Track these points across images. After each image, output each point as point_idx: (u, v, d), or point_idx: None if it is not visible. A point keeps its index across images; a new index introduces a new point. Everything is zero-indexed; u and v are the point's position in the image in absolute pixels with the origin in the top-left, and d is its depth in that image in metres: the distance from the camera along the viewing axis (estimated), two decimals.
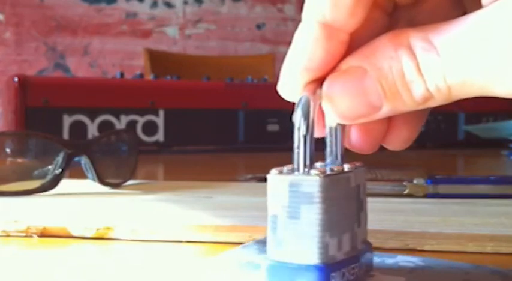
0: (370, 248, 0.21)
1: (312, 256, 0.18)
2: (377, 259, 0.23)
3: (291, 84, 0.20)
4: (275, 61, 1.90)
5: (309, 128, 0.19)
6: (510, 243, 0.27)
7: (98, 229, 0.30)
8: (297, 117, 0.19)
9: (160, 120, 1.02)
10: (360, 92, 0.19)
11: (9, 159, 0.43)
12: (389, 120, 0.22)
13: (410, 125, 0.23)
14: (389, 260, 0.23)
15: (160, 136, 1.02)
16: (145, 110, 1.01)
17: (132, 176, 0.49)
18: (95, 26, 2.14)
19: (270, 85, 1.20)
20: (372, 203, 0.38)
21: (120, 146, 0.49)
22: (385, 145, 0.23)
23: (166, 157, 0.99)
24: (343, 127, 0.21)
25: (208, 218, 0.32)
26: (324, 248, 0.18)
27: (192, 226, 0.29)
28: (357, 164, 0.21)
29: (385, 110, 0.19)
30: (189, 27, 2.22)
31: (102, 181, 0.44)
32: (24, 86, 0.95)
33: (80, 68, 2.13)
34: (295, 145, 0.19)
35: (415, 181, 0.41)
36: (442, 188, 0.40)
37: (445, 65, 0.17)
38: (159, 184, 0.51)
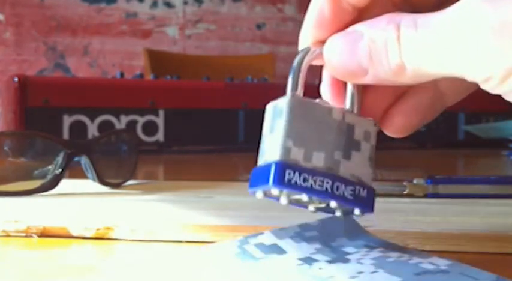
0: (366, 187, 0.23)
1: (275, 155, 0.21)
2: (401, 256, 0.23)
3: (302, 43, 0.23)
4: (275, 61, 1.90)
5: (301, 62, 0.23)
6: (510, 243, 0.27)
7: (98, 229, 0.30)
8: (297, 55, 0.23)
9: (160, 120, 1.02)
10: (353, 51, 0.21)
11: (9, 159, 0.43)
12: (395, 104, 0.25)
13: (417, 112, 0.25)
14: (415, 259, 0.23)
15: (160, 136, 1.02)
16: (145, 110, 1.01)
17: (132, 176, 0.49)
18: (95, 26, 2.14)
19: (270, 85, 1.20)
20: None
21: (120, 146, 0.49)
22: (384, 128, 0.25)
23: (166, 157, 0.99)
24: (358, 90, 0.24)
25: (208, 218, 0.32)
26: (285, 150, 0.21)
27: (192, 226, 0.29)
28: (365, 116, 0.23)
29: (370, 75, 0.21)
30: (189, 27, 2.22)
31: (102, 181, 0.44)
32: (24, 86, 0.95)
33: (80, 68, 2.13)
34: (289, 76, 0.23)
35: (415, 181, 0.41)
36: (442, 188, 0.40)
37: (419, 40, 0.20)
38: (159, 184, 0.51)
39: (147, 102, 1.01)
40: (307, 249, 0.24)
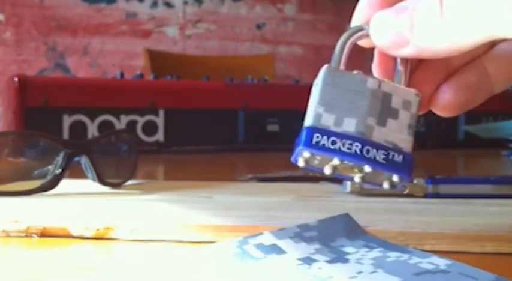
0: (402, 153, 0.23)
1: (308, 122, 0.22)
2: (400, 256, 0.23)
3: (354, 22, 0.24)
4: (275, 61, 1.90)
5: (347, 38, 0.24)
6: (510, 243, 0.27)
7: (97, 229, 0.30)
8: (344, 34, 0.24)
9: (160, 120, 1.02)
10: (396, 22, 0.22)
11: (9, 159, 0.43)
12: (443, 84, 0.25)
13: (465, 90, 0.25)
14: (415, 259, 0.23)
15: (160, 136, 1.02)
16: (145, 110, 1.01)
17: (132, 176, 0.49)
18: (95, 26, 2.14)
19: (270, 85, 1.20)
20: (372, 203, 0.38)
21: (120, 146, 0.49)
22: (433, 106, 0.25)
23: (166, 157, 0.99)
24: (405, 67, 0.24)
25: (208, 218, 0.32)
26: (316, 116, 0.22)
27: (192, 226, 0.29)
28: (406, 86, 0.24)
29: (411, 45, 0.22)
30: (189, 27, 2.21)
31: (102, 181, 0.44)
32: (24, 86, 0.95)
33: (80, 68, 2.13)
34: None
35: (415, 181, 0.41)
36: (442, 188, 0.40)
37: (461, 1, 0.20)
38: (159, 184, 0.51)
39: (147, 102, 1.01)
40: (306, 249, 0.24)
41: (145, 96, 1.02)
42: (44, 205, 0.37)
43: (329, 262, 0.23)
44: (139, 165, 0.50)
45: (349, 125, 0.22)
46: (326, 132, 0.22)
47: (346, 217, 0.28)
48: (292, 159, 0.23)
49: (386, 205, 0.37)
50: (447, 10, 0.21)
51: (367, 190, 0.41)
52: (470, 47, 0.21)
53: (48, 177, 0.41)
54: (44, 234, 0.30)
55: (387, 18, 0.22)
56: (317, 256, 0.23)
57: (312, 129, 0.22)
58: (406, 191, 0.41)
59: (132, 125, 1.00)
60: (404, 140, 0.23)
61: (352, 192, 0.41)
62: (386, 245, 0.25)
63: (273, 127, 1.07)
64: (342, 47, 0.24)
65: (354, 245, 0.25)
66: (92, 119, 0.98)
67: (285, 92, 1.11)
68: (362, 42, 0.24)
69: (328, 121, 0.22)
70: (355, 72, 0.23)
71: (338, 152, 0.22)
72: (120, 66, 2.09)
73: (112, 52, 2.15)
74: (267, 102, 1.06)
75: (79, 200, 0.40)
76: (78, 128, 0.97)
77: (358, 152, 0.22)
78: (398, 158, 0.22)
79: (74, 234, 0.30)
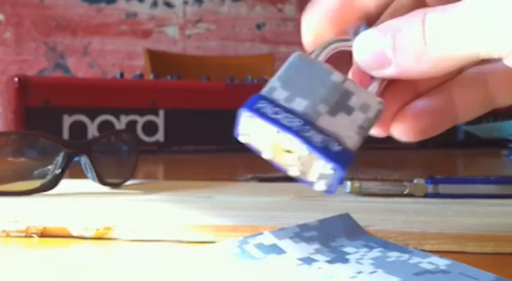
0: (345, 150, 0.22)
1: (261, 91, 0.22)
2: (400, 256, 0.23)
3: (314, 38, 0.24)
4: (275, 61, 1.90)
5: (331, 43, 0.23)
6: (510, 243, 0.27)
7: (97, 229, 0.30)
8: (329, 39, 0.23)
9: (160, 120, 1.02)
10: (379, 41, 0.22)
11: (9, 159, 0.43)
12: (414, 103, 0.25)
13: (428, 114, 0.25)
14: (415, 259, 0.23)
15: (160, 136, 1.02)
16: (145, 110, 1.01)
17: (132, 176, 0.49)
18: (95, 26, 2.14)
19: None
20: (372, 203, 0.38)
21: (120, 146, 0.49)
22: (393, 130, 0.25)
23: (166, 156, 0.99)
24: (380, 86, 0.24)
25: (208, 218, 0.32)
26: (270, 89, 0.22)
27: (192, 226, 0.29)
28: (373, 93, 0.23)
29: (393, 66, 0.22)
30: (189, 27, 2.22)
31: (102, 181, 0.44)
32: (24, 86, 0.95)
33: (80, 68, 2.13)
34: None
35: (415, 181, 0.41)
36: (442, 188, 0.40)
37: (444, 20, 0.20)
38: (159, 184, 0.51)
39: (147, 102, 1.02)
40: (306, 249, 0.24)
41: (145, 96, 1.03)
42: (44, 205, 0.37)
43: (329, 262, 0.23)
44: (139, 165, 0.50)
45: (299, 104, 0.22)
46: (273, 103, 0.22)
47: (346, 217, 0.28)
48: (234, 132, 0.23)
49: (386, 205, 0.37)
50: (429, 33, 0.20)
51: (367, 190, 0.41)
52: (454, 68, 0.21)
53: (48, 177, 0.41)
54: (44, 234, 0.30)
55: (371, 38, 0.22)
56: (317, 256, 0.23)
57: (260, 97, 0.22)
58: (406, 191, 0.41)
59: (132, 125, 1.00)
60: (350, 137, 0.22)
61: (352, 192, 0.41)
62: (386, 245, 0.25)
63: None
64: (323, 46, 0.23)
65: (354, 245, 0.25)
66: (92, 119, 0.98)
67: None
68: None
69: (280, 96, 0.22)
70: (325, 65, 0.23)
71: (276, 122, 0.21)
72: (120, 66, 2.09)
73: (112, 52, 2.15)
74: None
75: (79, 200, 0.40)
76: (78, 128, 0.97)
77: (297, 128, 0.21)
78: (337, 148, 0.21)
79: (74, 234, 0.30)
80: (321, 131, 0.21)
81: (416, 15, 0.21)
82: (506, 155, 0.96)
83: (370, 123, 0.22)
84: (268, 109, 0.21)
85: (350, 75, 0.24)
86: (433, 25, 0.20)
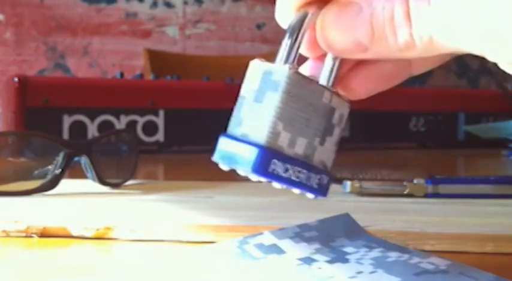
0: (328, 175, 0.22)
1: (261, 136, 0.19)
2: (400, 256, 0.23)
3: (286, 6, 0.21)
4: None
5: (298, 31, 0.20)
6: (510, 243, 0.27)
7: (97, 229, 0.30)
8: (292, 21, 0.21)
9: (160, 120, 1.02)
10: (351, 27, 0.19)
11: (9, 159, 0.43)
12: (357, 65, 0.23)
13: (377, 79, 0.23)
14: (415, 259, 0.23)
15: (160, 136, 1.02)
16: (145, 110, 1.01)
17: (132, 176, 0.49)
18: (95, 26, 2.14)
19: None
20: (372, 203, 0.38)
21: (120, 146, 0.49)
22: (342, 88, 0.23)
23: (166, 156, 0.99)
24: (338, 61, 0.22)
25: (208, 218, 0.32)
26: (275, 134, 0.19)
27: (192, 226, 0.29)
28: (344, 97, 0.22)
29: (370, 52, 0.19)
30: (189, 27, 2.21)
31: (102, 181, 0.44)
32: (24, 86, 0.95)
33: (80, 68, 2.13)
34: (283, 41, 0.20)
35: (415, 181, 0.41)
36: (442, 188, 0.40)
37: (433, 14, 0.18)
38: (159, 184, 0.51)
39: (147, 102, 1.01)
40: (306, 249, 0.24)
41: (145, 96, 1.02)
42: (44, 205, 0.37)
43: (329, 262, 0.23)
44: (139, 165, 0.50)
45: (300, 147, 0.20)
46: (281, 157, 0.20)
47: (346, 217, 0.28)
48: (214, 159, 0.21)
49: (387, 205, 0.37)
50: (416, 20, 0.18)
51: (367, 190, 0.41)
52: (437, 54, 0.19)
53: (48, 177, 0.41)
54: (44, 234, 0.30)
55: (339, 22, 0.20)
56: (317, 256, 0.23)
57: (269, 153, 0.19)
58: (406, 191, 0.41)
59: (132, 125, 1.00)
60: (331, 159, 0.22)
61: (352, 192, 0.41)
62: (386, 245, 0.25)
63: None
64: (296, 36, 0.21)
65: (354, 245, 0.25)
66: (92, 119, 0.98)
67: None
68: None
69: (284, 141, 0.20)
70: (312, 78, 0.21)
71: (288, 181, 0.20)
72: (120, 66, 2.09)
73: (112, 52, 2.15)
74: None
75: (79, 200, 0.40)
76: (78, 128, 0.96)
77: (304, 181, 0.21)
78: (325, 180, 0.22)
79: (74, 234, 0.30)
80: (316, 170, 0.21)
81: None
82: (506, 155, 0.96)
83: (341, 132, 0.22)
84: (279, 168, 0.20)
85: (304, 43, 0.22)
86: (419, 17, 0.18)
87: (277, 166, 0.20)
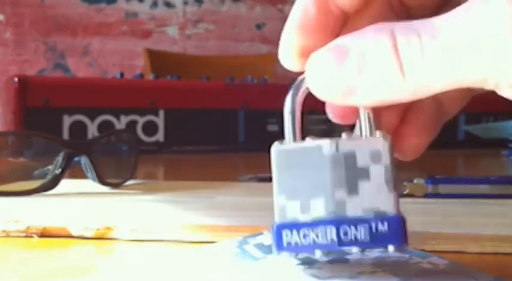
0: (392, 221, 0.19)
1: (275, 218, 0.20)
2: (400, 256, 0.23)
3: (287, 50, 0.21)
4: (275, 61, 1.89)
5: (294, 106, 0.21)
6: (510, 243, 0.27)
7: (98, 229, 0.30)
8: (288, 97, 0.21)
9: (160, 120, 1.02)
10: (337, 69, 0.18)
11: (9, 159, 0.43)
12: (401, 126, 0.23)
13: (421, 132, 0.23)
14: (415, 259, 0.23)
15: (160, 136, 1.02)
16: (145, 110, 1.01)
17: (132, 176, 0.49)
18: (95, 26, 2.14)
19: (270, 85, 1.20)
20: None
21: (120, 146, 0.49)
22: (395, 153, 0.22)
23: (166, 156, 0.99)
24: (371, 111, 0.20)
25: (208, 218, 0.32)
26: (280, 209, 0.20)
27: (192, 226, 0.29)
28: (375, 133, 0.20)
29: (360, 96, 0.18)
30: (189, 27, 2.21)
31: (102, 181, 0.44)
32: (24, 86, 0.95)
33: (80, 68, 2.13)
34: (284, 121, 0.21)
35: (415, 181, 0.41)
36: (442, 188, 0.40)
37: (425, 50, 0.17)
38: (159, 184, 0.51)
39: (147, 102, 1.01)
40: None
41: (145, 96, 1.02)
42: (44, 205, 0.37)
43: (329, 262, 0.23)
44: (139, 165, 0.50)
45: (318, 208, 0.19)
46: (294, 226, 0.19)
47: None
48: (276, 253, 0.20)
49: None
50: (405, 56, 0.17)
51: None
52: (429, 95, 0.18)
53: (48, 177, 0.41)
54: (44, 234, 0.30)
55: (325, 66, 0.19)
56: (317, 256, 0.23)
57: (280, 227, 0.19)
58: (406, 191, 0.41)
59: (132, 125, 1.00)
60: (386, 200, 0.20)
61: None
62: None
63: (273, 127, 1.07)
64: (292, 115, 0.21)
65: None
66: (92, 119, 0.98)
67: (285, 92, 1.11)
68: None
69: (294, 210, 0.19)
70: (307, 139, 0.20)
71: (313, 245, 0.19)
72: (120, 66, 2.09)
73: (112, 52, 2.15)
74: (267, 102, 1.06)
75: (79, 200, 0.40)
76: (78, 128, 0.97)
77: (335, 238, 0.19)
78: (384, 226, 0.19)
79: (74, 234, 0.30)
80: (356, 221, 0.19)
81: (380, 35, 0.18)
82: (506, 155, 0.96)
83: (392, 167, 0.20)
84: (296, 237, 0.19)
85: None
86: (408, 54, 0.17)
87: (292, 236, 0.20)
